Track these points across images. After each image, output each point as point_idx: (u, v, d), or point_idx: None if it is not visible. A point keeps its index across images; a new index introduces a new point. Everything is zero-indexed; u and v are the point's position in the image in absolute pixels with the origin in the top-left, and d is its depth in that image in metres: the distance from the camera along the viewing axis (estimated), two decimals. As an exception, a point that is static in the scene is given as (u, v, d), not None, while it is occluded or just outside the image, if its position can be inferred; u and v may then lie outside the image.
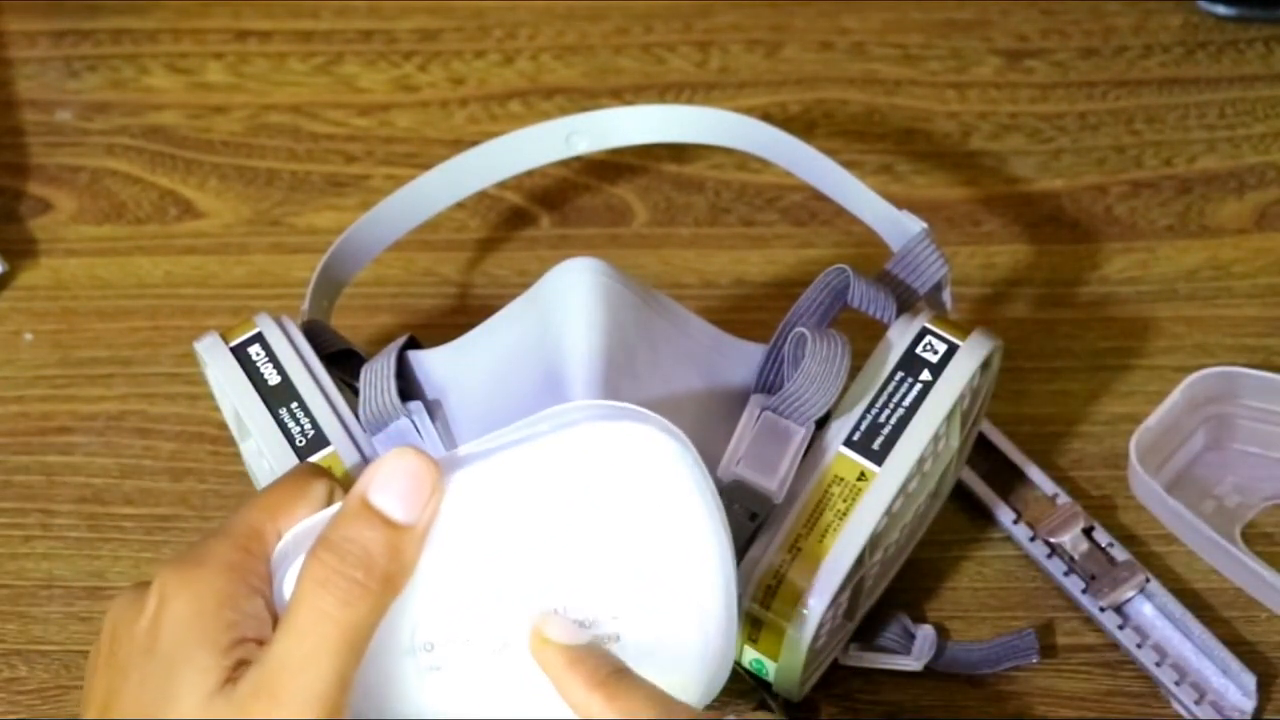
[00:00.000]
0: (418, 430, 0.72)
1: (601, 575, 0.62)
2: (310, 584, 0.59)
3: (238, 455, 0.79)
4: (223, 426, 0.79)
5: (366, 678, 0.62)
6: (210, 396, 0.78)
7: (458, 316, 0.88)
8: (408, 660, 0.62)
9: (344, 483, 0.67)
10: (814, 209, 0.92)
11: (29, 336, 0.89)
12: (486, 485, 0.61)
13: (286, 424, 0.73)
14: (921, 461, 0.72)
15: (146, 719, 0.60)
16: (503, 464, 0.61)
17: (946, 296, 0.78)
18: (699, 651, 0.64)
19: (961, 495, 0.81)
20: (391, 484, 0.60)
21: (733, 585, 0.64)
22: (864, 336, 0.74)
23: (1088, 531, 0.79)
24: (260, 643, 0.60)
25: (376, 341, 0.84)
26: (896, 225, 0.79)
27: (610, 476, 0.61)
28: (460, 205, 0.88)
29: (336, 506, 0.62)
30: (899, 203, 0.79)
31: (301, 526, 0.62)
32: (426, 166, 0.84)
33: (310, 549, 0.60)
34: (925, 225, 0.77)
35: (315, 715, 0.59)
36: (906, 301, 0.76)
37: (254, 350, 0.74)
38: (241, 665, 0.60)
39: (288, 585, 0.61)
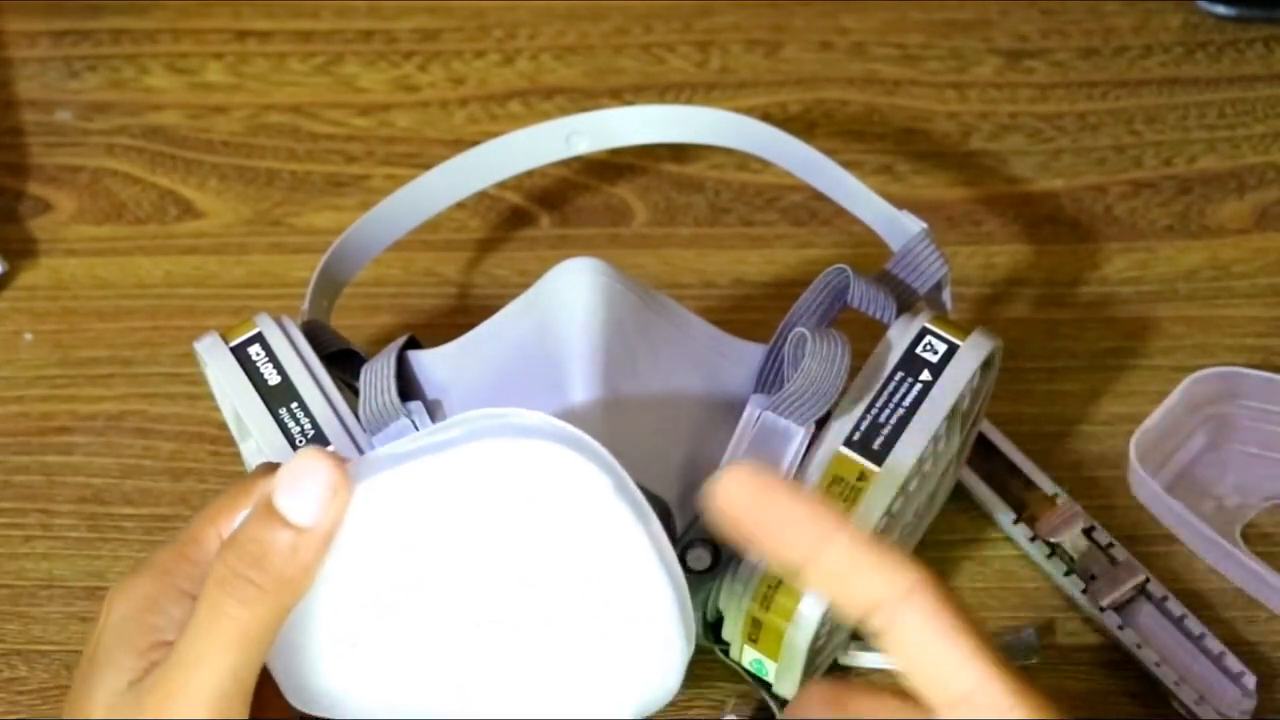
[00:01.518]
0: (417, 430, 0.72)
1: (524, 582, 0.62)
2: (212, 583, 0.60)
3: (238, 455, 0.79)
4: (223, 426, 0.79)
5: (295, 668, 0.62)
6: (210, 396, 0.78)
7: (458, 316, 0.88)
8: (333, 652, 0.62)
9: None
10: (814, 209, 0.92)
11: (29, 336, 0.89)
12: (396, 492, 0.61)
13: (286, 424, 0.73)
14: (921, 461, 0.72)
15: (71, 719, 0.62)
16: (412, 472, 0.61)
17: (946, 296, 0.78)
18: (638, 662, 0.64)
19: (961, 495, 0.81)
20: (293, 486, 0.60)
21: (675, 597, 0.63)
22: (864, 336, 0.74)
23: (1088, 531, 0.79)
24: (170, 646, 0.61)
25: (376, 341, 0.84)
26: (896, 225, 0.79)
27: (518, 492, 0.61)
28: (460, 205, 0.88)
29: None
30: (899, 203, 0.79)
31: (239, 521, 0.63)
32: (426, 166, 0.84)
33: (219, 549, 0.61)
34: (925, 225, 0.77)
35: (208, 714, 0.59)
36: (906, 301, 0.76)
37: (254, 350, 0.74)
38: (155, 666, 0.61)
39: None
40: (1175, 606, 0.77)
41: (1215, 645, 0.76)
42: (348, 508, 0.60)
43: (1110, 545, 0.79)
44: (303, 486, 0.60)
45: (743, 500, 0.56)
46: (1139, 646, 0.76)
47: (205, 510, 0.64)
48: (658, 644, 0.63)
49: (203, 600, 0.60)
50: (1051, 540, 0.79)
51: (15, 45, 0.99)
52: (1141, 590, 0.78)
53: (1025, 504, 0.81)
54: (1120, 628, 0.77)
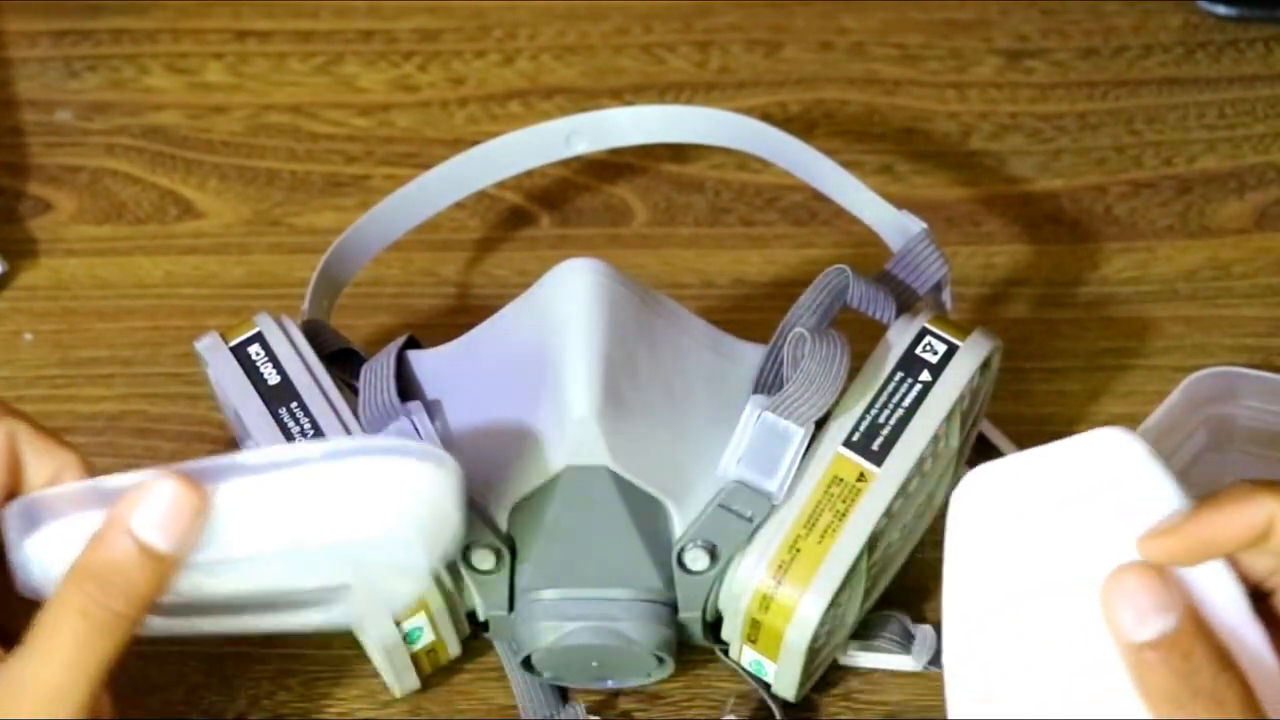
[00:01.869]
0: (417, 430, 0.72)
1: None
2: (75, 613, 0.60)
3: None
4: (223, 426, 0.79)
5: None
6: (210, 396, 0.78)
7: (458, 316, 0.88)
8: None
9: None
10: (814, 209, 0.92)
11: (29, 336, 0.89)
12: (247, 498, 0.62)
13: (286, 424, 0.73)
14: (921, 462, 0.72)
15: None
16: (268, 482, 0.62)
17: (946, 297, 0.78)
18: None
19: (961, 495, 0.81)
20: (154, 514, 0.60)
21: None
22: (864, 337, 0.74)
23: (1087, 532, 0.79)
24: None
25: (376, 342, 0.84)
26: (896, 225, 0.79)
27: (375, 501, 0.63)
28: (460, 205, 0.88)
29: (84, 484, 0.63)
30: (899, 203, 0.79)
31: (38, 497, 0.63)
32: (426, 166, 0.84)
33: (71, 573, 0.60)
34: (925, 225, 0.77)
35: None
36: (906, 302, 0.76)
37: (254, 350, 0.75)
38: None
39: (35, 564, 0.62)
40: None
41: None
42: (204, 528, 0.61)
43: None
44: (162, 514, 0.60)
45: (1172, 550, 0.59)
46: (1139, 647, 0.76)
47: None
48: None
49: (61, 627, 0.60)
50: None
51: (15, 45, 0.99)
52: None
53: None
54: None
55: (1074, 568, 0.59)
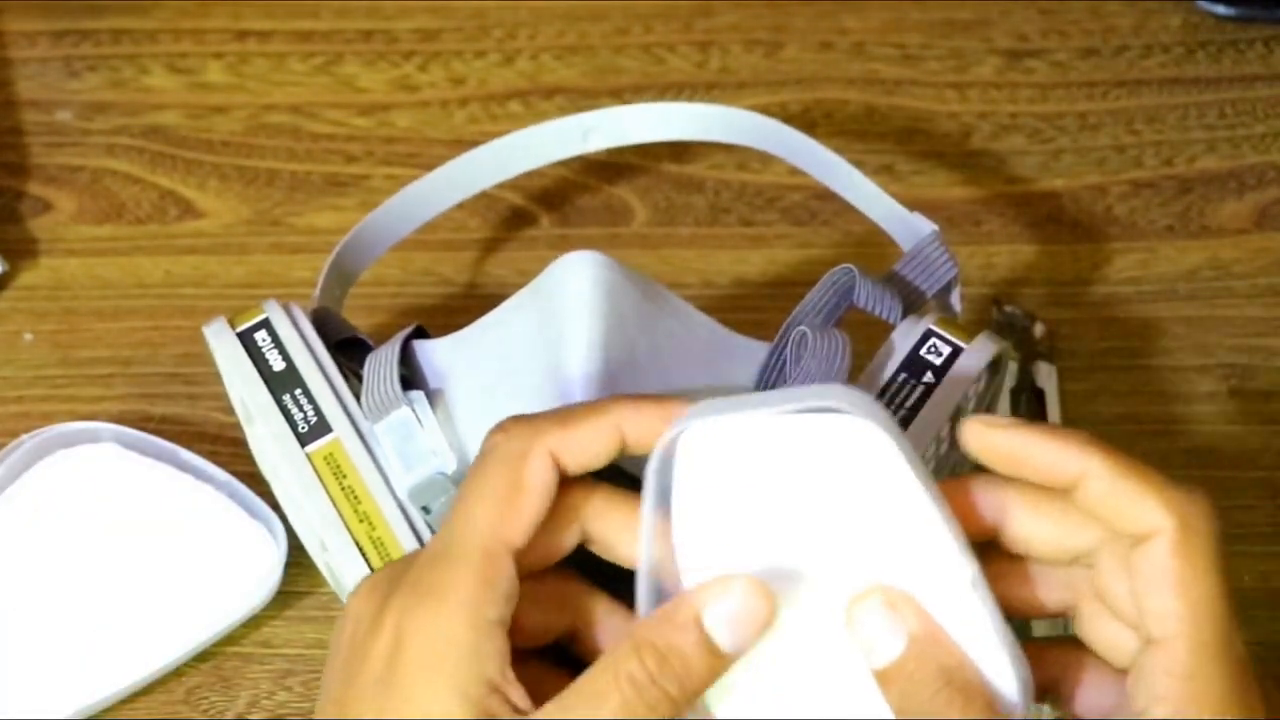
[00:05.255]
0: (418, 419, 0.72)
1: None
2: (626, 681, 0.58)
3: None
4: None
5: None
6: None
7: (457, 316, 0.87)
8: None
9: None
10: (814, 209, 0.92)
11: (29, 336, 0.89)
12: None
13: (290, 410, 0.73)
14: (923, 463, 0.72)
15: None
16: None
17: (955, 299, 0.77)
18: None
19: (962, 494, 0.81)
20: (726, 613, 0.59)
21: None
22: (871, 337, 0.74)
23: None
24: (502, 693, 0.58)
25: (376, 341, 0.84)
26: (908, 227, 0.79)
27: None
28: (460, 205, 0.87)
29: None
30: (899, 203, 0.79)
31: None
32: (426, 166, 0.84)
33: (631, 640, 0.59)
34: (936, 227, 0.77)
35: None
36: (914, 303, 0.76)
37: (260, 336, 0.75)
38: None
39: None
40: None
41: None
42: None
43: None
44: (737, 617, 0.59)
45: (996, 441, 0.59)
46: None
47: (476, 518, 0.60)
48: None
49: (612, 690, 0.58)
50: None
51: (15, 45, 0.99)
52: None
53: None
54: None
55: (799, 542, 0.59)
